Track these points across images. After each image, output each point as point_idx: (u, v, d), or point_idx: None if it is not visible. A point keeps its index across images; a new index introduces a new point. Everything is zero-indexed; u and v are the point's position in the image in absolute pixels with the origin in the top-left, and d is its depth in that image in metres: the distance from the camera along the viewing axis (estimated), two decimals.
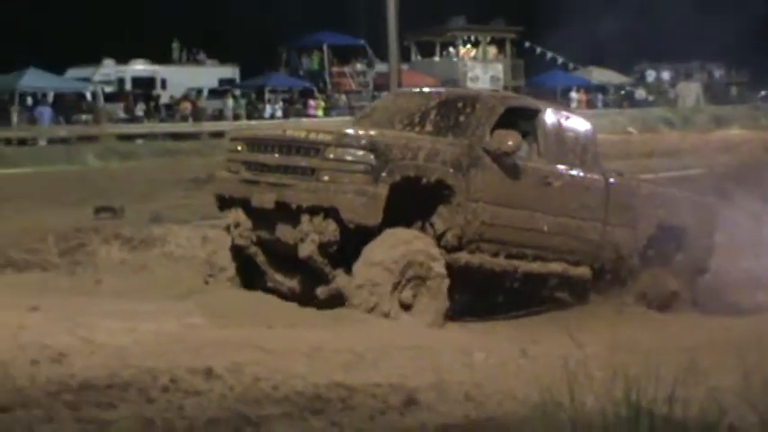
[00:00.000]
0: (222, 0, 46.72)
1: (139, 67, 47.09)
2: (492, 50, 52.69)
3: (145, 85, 46.55)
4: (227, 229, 9.83)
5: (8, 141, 35.38)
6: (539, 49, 52.71)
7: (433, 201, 9.62)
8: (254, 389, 6.01)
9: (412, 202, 9.45)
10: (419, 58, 51.57)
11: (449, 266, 9.51)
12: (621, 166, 19.40)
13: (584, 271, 10.64)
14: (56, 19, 39.25)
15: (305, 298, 9.48)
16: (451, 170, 9.55)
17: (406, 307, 9.22)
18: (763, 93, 55.61)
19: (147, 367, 6.26)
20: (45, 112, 40.33)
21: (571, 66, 54.92)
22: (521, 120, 10.40)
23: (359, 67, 50.08)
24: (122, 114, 42.76)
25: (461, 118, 10.20)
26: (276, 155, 9.53)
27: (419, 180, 9.36)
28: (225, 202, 9.85)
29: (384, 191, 9.08)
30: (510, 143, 9.80)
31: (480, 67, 51.68)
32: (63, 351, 6.65)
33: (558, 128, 10.69)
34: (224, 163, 10.14)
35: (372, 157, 9.13)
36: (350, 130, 9.97)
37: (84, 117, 41.56)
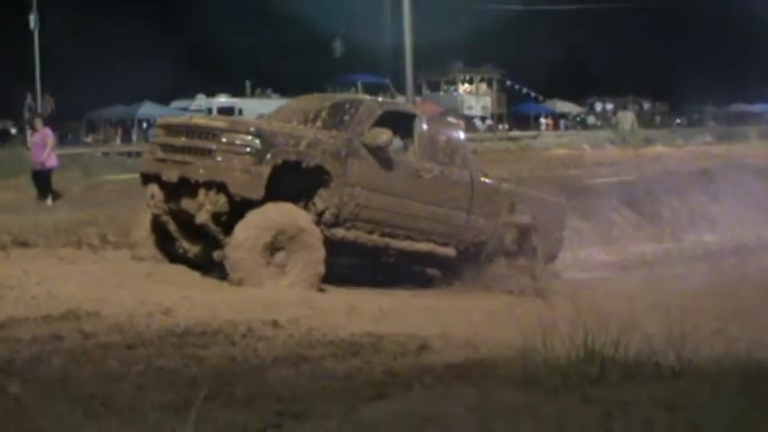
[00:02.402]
0: (283, 50, 46.61)
1: (223, 100, 46.86)
2: (483, 87, 52.28)
3: (227, 113, 46.36)
4: (146, 202, 8.89)
5: (129, 154, 35.57)
6: (517, 86, 52.41)
7: (314, 183, 8.69)
8: (308, 336, 6.00)
9: (297, 183, 8.56)
10: (429, 92, 51.17)
11: (327, 240, 8.51)
12: (579, 173, 19.30)
13: (449, 251, 9.65)
14: (162, 65, 39.62)
15: (205, 261, 8.62)
16: (330, 158, 8.62)
17: (280, 269, 8.22)
18: (678, 120, 55.74)
19: (230, 319, 6.26)
20: None
21: (540, 98, 54.60)
22: (400, 122, 9.50)
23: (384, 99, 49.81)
24: None
25: (346, 117, 9.22)
26: (183, 138, 8.63)
27: (300, 164, 8.45)
28: (145, 178, 8.94)
29: (266, 170, 8.20)
30: (383, 138, 8.90)
31: (474, 100, 51.34)
32: (170, 306, 6.67)
33: (432, 132, 9.76)
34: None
35: (258, 141, 8.25)
36: (242, 119, 9.20)
37: None
